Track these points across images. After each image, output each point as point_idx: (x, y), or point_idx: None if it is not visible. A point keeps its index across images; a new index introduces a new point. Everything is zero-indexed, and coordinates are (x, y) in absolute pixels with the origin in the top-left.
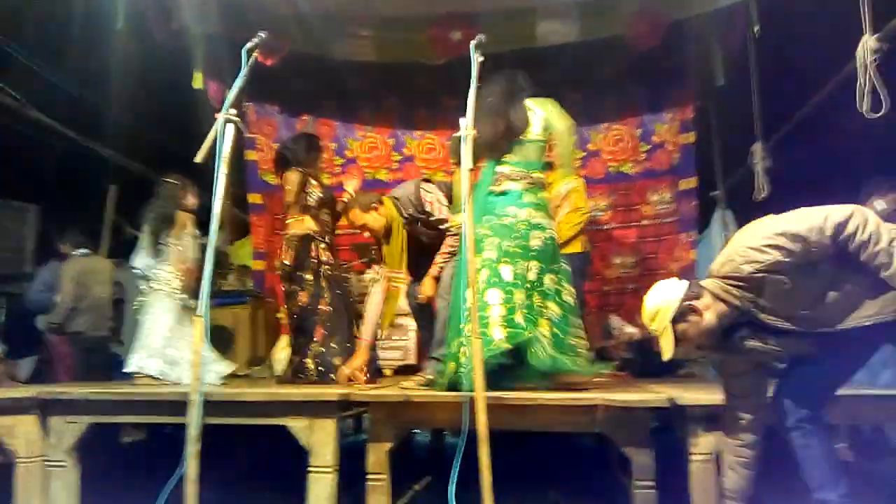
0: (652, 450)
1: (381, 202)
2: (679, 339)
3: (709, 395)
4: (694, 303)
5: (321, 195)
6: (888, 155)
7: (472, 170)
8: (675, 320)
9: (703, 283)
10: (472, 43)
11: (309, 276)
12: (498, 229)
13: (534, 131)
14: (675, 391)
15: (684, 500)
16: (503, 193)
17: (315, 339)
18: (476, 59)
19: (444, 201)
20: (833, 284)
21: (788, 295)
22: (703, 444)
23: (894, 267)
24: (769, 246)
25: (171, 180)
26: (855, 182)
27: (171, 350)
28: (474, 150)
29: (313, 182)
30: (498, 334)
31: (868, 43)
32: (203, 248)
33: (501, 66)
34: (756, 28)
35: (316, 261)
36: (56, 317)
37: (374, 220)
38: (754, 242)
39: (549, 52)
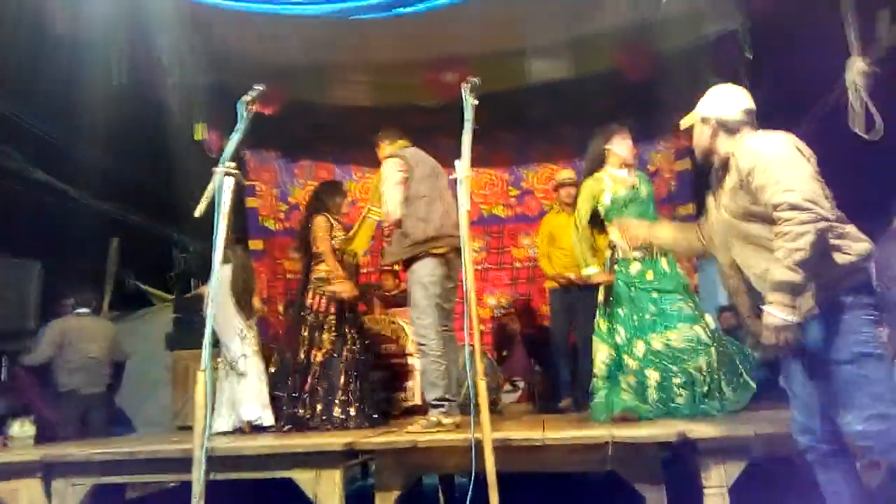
0: (663, 485)
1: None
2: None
3: (718, 428)
4: (724, 124)
5: (345, 238)
6: (887, 174)
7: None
8: (705, 119)
9: (744, 129)
10: (465, 86)
11: (334, 323)
12: None
13: None
14: (685, 424)
15: None
16: None
17: (340, 386)
18: (470, 101)
19: (395, 181)
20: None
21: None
22: (715, 477)
23: (781, 267)
24: (753, 154)
25: (242, 250)
26: (852, 203)
27: (249, 399)
28: None
29: (337, 226)
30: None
31: (856, 65)
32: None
33: (495, 105)
34: (748, 54)
35: (340, 308)
36: (28, 358)
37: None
38: (759, 143)
39: (541, 88)
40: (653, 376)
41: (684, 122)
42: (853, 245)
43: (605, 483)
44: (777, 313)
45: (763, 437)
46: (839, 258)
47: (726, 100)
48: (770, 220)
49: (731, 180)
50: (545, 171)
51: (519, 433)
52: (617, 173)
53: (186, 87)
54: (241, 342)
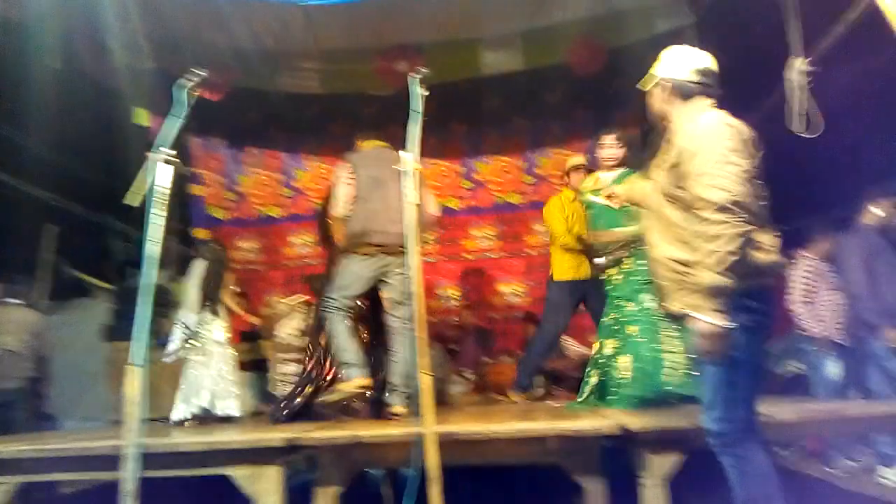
0: (603, 477)
1: None
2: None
3: (658, 420)
4: (675, 86)
5: None
6: (826, 172)
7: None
8: (657, 81)
9: (699, 97)
10: (415, 77)
11: (365, 314)
12: None
13: None
14: (626, 416)
15: None
16: None
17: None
18: (419, 92)
19: (341, 182)
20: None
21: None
22: (653, 469)
23: (710, 273)
24: (694, 138)
25: (216, 245)
26: (791, 200)
27: (221, 389)
28: None
29: None
30: None
31: (797, 65)
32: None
33: (449, 96)
34: None
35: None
36: None
37: None
38: (702, 127)
39: (495, 80)
40: (593, 379)
41: (642, 84)
42: (759, 256)
43: (549, 475)
44: (710, 320)
45: (701, 429)
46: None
47: (678, 60)
48: (687, 208)
49: (668, 155)
50: (498, 163)
51: (463, 426)
52: (601, 176)
53: (130, 72)
54: (182, 334)
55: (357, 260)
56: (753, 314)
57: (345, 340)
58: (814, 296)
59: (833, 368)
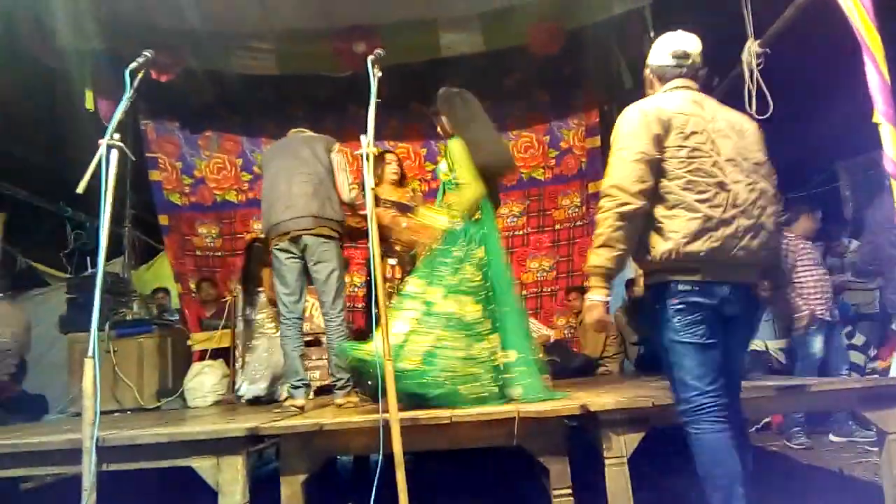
0: (567, 457)
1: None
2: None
3: (620, 399)
4: (655, 71)
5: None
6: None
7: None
8: (645, 68)
9: (676, 79)
10: (370, 58)
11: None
12: None
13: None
14: (590, 396)
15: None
16: None
17: None
18: (374, 74)
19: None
20: None
21: None
22: (616, 448)
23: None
24: (615, 127)
25: (258, 243)
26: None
27: (270, 374)
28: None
29: (385, 198)
30: None
31: (752, 48)
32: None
33: (409, 77)
34: (651, 33)
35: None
36: None
37: None
38: (622, 116)
39: (454, 62)
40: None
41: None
42: (659, 242)
43: (514, 456)
44: (588, 295)
45: (661, 407)
46: (650, 249)
47: (659, 46)
48: None
49: None
50: None
51: (426, 412)
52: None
53: (79, 54)
54: (246, 325)
55: (275, 257)
56: (683, 296)
57: (293, 362)
58: (796, 273)
59: (817, 344)
